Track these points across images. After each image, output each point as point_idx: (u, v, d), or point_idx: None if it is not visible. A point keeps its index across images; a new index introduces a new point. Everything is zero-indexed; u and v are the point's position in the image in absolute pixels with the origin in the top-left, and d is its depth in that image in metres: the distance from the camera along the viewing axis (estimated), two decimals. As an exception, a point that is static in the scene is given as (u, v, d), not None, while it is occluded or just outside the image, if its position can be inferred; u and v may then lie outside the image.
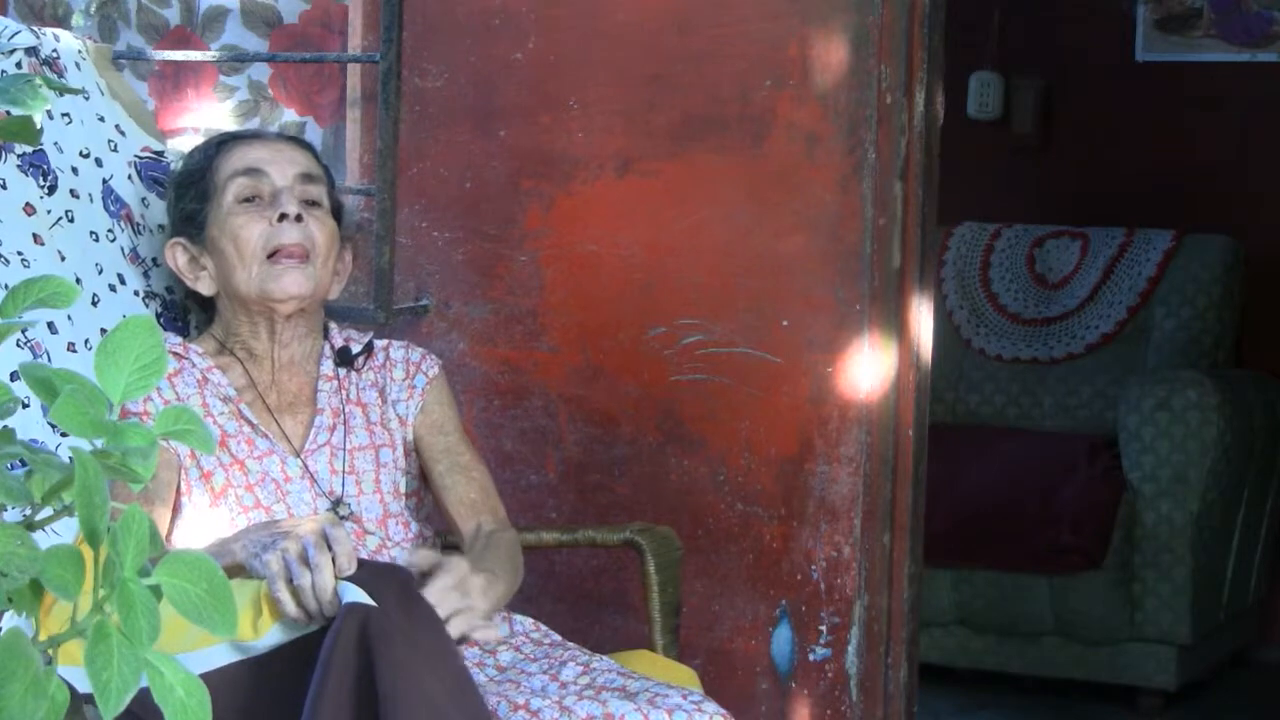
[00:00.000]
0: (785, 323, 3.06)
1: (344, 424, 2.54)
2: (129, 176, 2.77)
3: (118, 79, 2.86)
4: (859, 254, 3.02)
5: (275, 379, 2.56)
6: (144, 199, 2.78)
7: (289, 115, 3.84)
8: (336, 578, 2.13)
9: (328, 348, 2.61)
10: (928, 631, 4.53)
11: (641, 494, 3.14)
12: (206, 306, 2.64)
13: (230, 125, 4.13)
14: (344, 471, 2.51)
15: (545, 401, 3.22)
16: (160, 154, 2.83)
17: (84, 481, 1.13)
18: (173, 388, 2.51)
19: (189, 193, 2.58)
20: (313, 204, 2.55)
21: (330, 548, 2.15)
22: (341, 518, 2.46)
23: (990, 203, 5.48)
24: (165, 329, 2.68)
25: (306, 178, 2.56)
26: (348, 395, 2.57)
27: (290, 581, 2.14)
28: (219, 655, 2.13)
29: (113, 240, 2.68)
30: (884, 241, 3.03)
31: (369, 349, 2.62)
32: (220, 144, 2.61)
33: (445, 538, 2.65)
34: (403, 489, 2.56)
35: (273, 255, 2.50)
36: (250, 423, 2.51)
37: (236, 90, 3.53)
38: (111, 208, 2.71)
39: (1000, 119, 5.66)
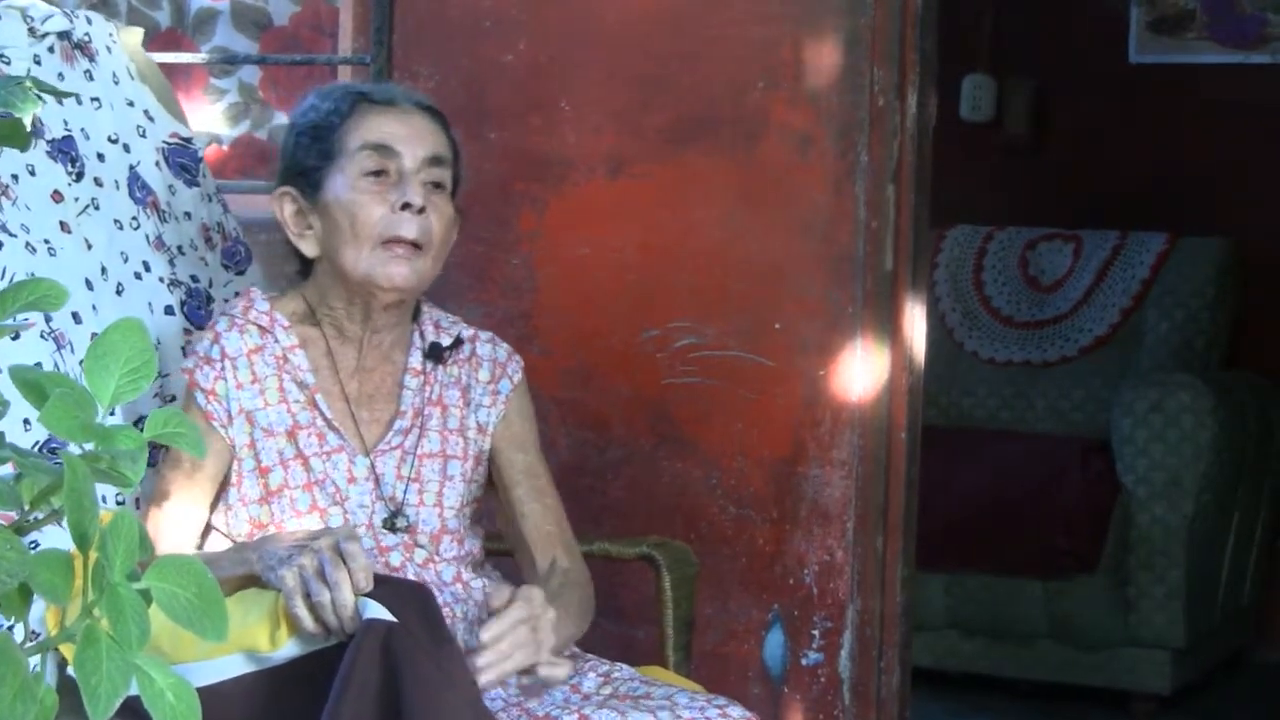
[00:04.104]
0: (778, 325, 3.05)
1: (420, 427, 2.46)
2: (156, 163, 2.72)
3: (148, 62, 2.79)
4: (852, 257, 3.02)
5: (360, 364, 2.47)
6: (170, 186, 2.72)
7: (280, 118, 3.83)
8: (355, 594, 2.08)
9: (417, 336, 2.52)
10: (920, 635, 4.51)
11: (634, 497, 3.13)
12: (303, 261, 2.50)
13: (221, 129, 4.11)
14: (409, 478, 2.44)
15: (538, 405, 3.19)
16: (188, 140, 2.78)
17: (73, 485, 1.12)
18: (250, 367, 2.41)
19: (312, 148, 2.45)
20: (437, 187, 2.45)
21: (346, 564, 2.10)
22: (399, 528, 2.40)
23: (983, 205, 5.47)
24: (190, 317, 2.65)
25: (435, 160, 2.45)
26: (430, 395, 2.49)
27: (308, 597, 2.09)
28: (234, 665, 2.11)
29: (136, 228, 2.64)
30: (877, 244, 3.02)
31: (458, 343, 2.54)
32: (354, 103, 2.47)
33: (493, 543, 2.58)
34: (466, 500, 2.48)
35: (387, 242, 2.39)
36: (324, 415, 2.42)
37: (227, 93, 3.53)
38: (137, 194, 2.66)
39: (993, 121, 5.66)
